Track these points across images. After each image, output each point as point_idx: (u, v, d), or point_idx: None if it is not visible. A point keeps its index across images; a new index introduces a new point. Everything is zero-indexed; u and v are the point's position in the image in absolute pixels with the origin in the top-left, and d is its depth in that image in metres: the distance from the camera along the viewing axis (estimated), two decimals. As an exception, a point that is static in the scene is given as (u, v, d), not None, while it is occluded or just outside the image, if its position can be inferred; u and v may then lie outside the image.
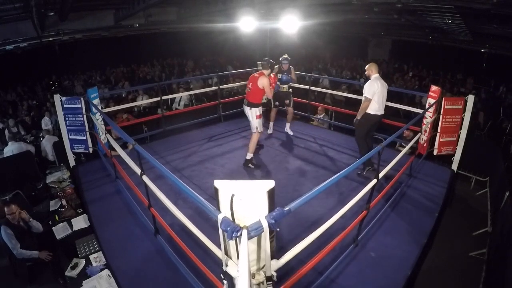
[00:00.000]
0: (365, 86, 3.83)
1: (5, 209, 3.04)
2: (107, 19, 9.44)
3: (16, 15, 7.52)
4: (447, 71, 12.31)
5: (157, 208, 2.61)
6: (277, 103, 5.18)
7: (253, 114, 4.09)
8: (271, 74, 4.21)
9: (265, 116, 6.20)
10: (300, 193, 3.34)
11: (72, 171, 4.15)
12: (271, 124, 5.42)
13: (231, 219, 1.35)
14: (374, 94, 3.76)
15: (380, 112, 3.88)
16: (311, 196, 1.74)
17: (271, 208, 1.40)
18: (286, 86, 5.07)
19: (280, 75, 4.91)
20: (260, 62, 4.19)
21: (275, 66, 4.88)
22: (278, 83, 4.80)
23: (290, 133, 5.36)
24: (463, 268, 3.39)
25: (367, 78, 3.88)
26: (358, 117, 3.95)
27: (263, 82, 3.97)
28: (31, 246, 3.08)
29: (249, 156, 4.15)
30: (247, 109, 4.14)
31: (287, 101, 5.16)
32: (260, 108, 4.13)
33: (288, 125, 5.38)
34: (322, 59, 14.62)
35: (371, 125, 3.94)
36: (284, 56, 4.95)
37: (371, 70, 3.80)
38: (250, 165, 4.14)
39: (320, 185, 1.87)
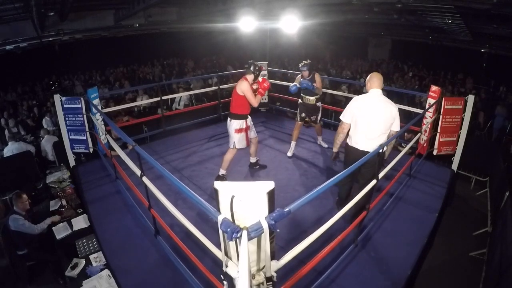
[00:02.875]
0: None
1: (18, 199, 3.15)
2: (107, 19, 9.45)
3: (16, 15, 7.53)
4: (447, 71, 12.32)
5: (157, 209, 2.61)
6: (303, 114, 4.35)
7: (231, 127, 3.55)
8: (260, 79, 3.60)
9: (268, 115, 6.22)
10: (300, 194, 3.35)
11: (72, 171, 4.15)
12: (293, 144, 4.47)
13: (231, 220, 1.35)
14: (354, 119, 2.70)
15: (363, 146, 2.71)
16: (311, 197, 1.74)
17: (271, 209, 1.40)
18: (313, 97, 4.23)
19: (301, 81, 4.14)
20: (246, 65, 3.59)
21: (298, 76, 4.25)
22: (297, 85, 4.13)
23: (325, 145, 4.77)
24: (463, 268, 3.40)
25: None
26: (334, 148, 2.95)
27: (242, 87, 3.43)
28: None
29: (222, 172, 3.73)
30: (228, 120, 3.61)
31: (313, 117, 4.37)
32: (243, 121, 3.53)
33: (320, 138, 4.83)
34: (322, 59, 14.63)
35: (352, 162, 2.35)
36: (303, 61, 4.13)
37: (370, 82, 2.78)
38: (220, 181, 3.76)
39: (320, 185, 1.87)
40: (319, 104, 4.36)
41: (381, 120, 2.63)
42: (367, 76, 2.87)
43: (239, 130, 3.53)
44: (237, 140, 3.55)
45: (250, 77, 3.52)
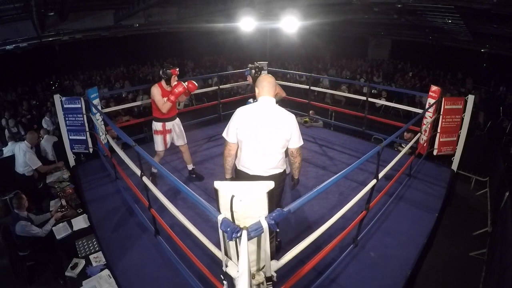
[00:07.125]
0: None
1: (20, 201, 3.17)
2: (107, 19, 9.47)
3: (16, 15, 7.54)
4: (447, 71, 12.33)
5: (157, 208, 2.61)
6: None
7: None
8: (175, 83, 3.29)
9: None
10: (300, 193, 3.35)
11: (72, 171, 4.15)
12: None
13: (231, 220, 1.35)
14: (238, 136, 2.12)
15: (253, 170, 2.15)
16: (311, 197, 1.74)
17: (271, 208, 1.40)
18: None
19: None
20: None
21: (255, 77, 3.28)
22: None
23: None
24: (463, 268, 3.40)
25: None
26: (226, 175, 2.36)
27: (151, 92, 3.26)
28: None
29: (153, 169, 3.59)
30: None
31: None
32: (159, 124, 3.42)
33: None
34: (322, 59, 14.64)
35: None
36: (250, 64, 3.37)
37: (259, 88, 2.18)
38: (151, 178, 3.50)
39: (320, 185, 1.87)
40: None
41: (272, 136, 2.07)
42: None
43: (155, 132, 3.50)
44: (156, 142, 3.52)
45: (164, 82, 3.35)
